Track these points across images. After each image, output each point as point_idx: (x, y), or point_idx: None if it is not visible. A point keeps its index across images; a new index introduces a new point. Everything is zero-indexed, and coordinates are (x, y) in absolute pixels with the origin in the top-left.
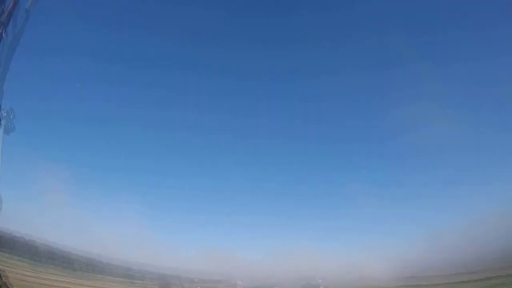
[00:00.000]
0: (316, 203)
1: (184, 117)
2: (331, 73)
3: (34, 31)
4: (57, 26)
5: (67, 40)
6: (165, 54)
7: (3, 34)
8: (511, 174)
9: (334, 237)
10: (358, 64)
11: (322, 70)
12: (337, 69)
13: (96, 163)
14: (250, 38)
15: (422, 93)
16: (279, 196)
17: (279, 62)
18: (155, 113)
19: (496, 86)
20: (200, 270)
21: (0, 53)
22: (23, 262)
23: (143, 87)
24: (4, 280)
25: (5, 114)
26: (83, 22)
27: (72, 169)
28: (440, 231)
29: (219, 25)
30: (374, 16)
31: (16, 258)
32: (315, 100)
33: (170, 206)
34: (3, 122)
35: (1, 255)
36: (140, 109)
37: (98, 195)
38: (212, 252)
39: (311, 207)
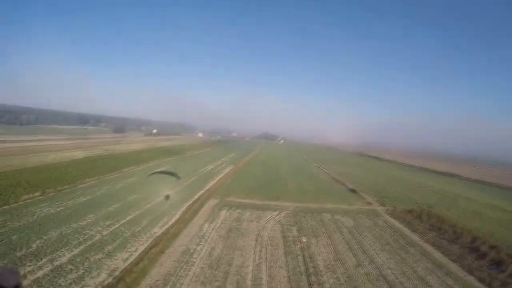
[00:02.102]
0: (289, 59)
1: None
2: None
3: None
4: None
5: None
6: None
7: None
8: None
9: (300, 98)
10: None
11: None
12: None
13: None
14: None
15: None
16: (250, 43)
17: None
18: None
19: None
20: (161, 121)
21: None
22: None
23: None
24: None
25: None
26: None
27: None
28: (407, 117)
29: None
30: None
31: None
32: None
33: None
34: None
35: None
36: None
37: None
38: (169, 97)
39: (282, 61)
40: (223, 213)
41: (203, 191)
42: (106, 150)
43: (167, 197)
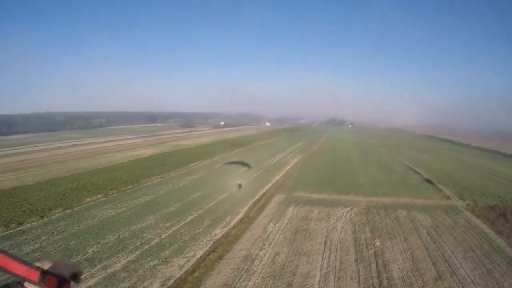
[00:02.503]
0: (347, 47)
1: None
2: None
3: None
4: None
5: None
6: None
7: None
8: None
9: (366, 81)
10: None
11: None
12: None
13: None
14: None
15: None
16: (307, 33)
17: None
18: None
19: None
20: (229, 112)
21: None
22: (42, 137)
23: None
24: None
25: None
26: None
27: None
28: (477, 97)
29: None
30: None
31: (35, 134)
32: None
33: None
34: None
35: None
36: None
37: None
38: (236, 89)
39: (342, 48)
40: (290, 210)
41: (270, 185)
42: (173, 146)
43: (240, 186)
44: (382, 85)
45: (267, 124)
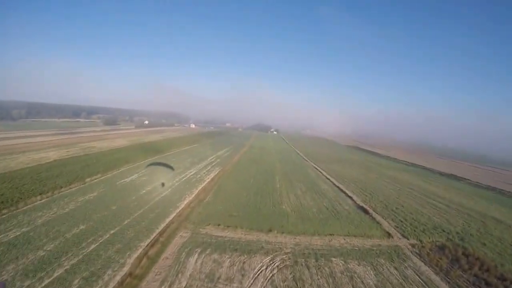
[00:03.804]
0: (275, 49)
1: None
2: None
3: None
4: None
5: None
6: None
7: None
8: None
9: (293, 88)
10: None
11: None
12: None
13: None
14: None
15: None
16: (236, 35)
17: None
18: None
19: None
20: (156, 111)
21: None
22: None
23: None
24: None
25: None
26: None
27: None
28: (401, 107)
29: None
30: None
31: None
32: None
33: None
34: None
35: None
36: None
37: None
38: (165, 88)
39: (278, 52)
40: (192, 262)
41: (174, 215)
42: (84, 149)
43: (163, 184)
44: (309, 92)
45: (193, 126)
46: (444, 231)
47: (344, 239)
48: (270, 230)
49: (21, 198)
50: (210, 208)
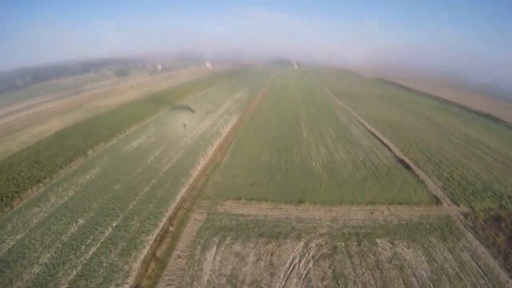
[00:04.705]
0: None
1: None
2: None
3: None
4: None
5: None
6: None
7: None
8: None
9: (313, 19)
10: None
11: None
12: None
13: None
14: None
15: None
16: None
17: None
18: None
19: None
20: (167, 53)
21: None
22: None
23: None
24: None
25: None
26: None
27: None
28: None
29: None
30: None
31: None
32: None
33: None
34: None
35: None
36: None
37: None
38: (177, 29)
39: None
40: (210, 260)
41: (185, 191)
42: (89, 111)
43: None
44: (330, 23)
45: (209, 65)
46: (495, 194)
47: (388, 209)
48: (300, 202)
49: (16, 192)
50: (227, 175)
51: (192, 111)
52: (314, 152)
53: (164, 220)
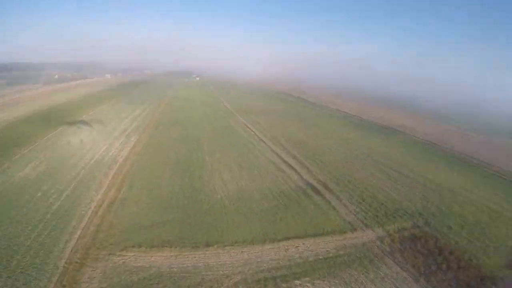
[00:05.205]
0: None
1: None
2: None
3: None
4: None
5: None
6: None
7: None
8: None
9: (215, 31)
10: None
11: None
12: None
13: None
14: None
15: None
16: None
17: None
18: None
19: None
20: (68, 62)
21: None
22: None
23: None
24: None
25: None
26: None
27: None
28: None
29: None
30: None
31: None
32: None
33: None
34: None
35: None
36: None
37: None
38: (79, 35)
39: None
40: None
41: (75, 240)
42: None
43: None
44: (232, 35)
45: (108, 76)
46: (406, 212)
47: (303, 243)
48: (208, 244)
49: None
50: (125, 214)
51: (87, 132)
52: (218, 179)
53: (54, 279)
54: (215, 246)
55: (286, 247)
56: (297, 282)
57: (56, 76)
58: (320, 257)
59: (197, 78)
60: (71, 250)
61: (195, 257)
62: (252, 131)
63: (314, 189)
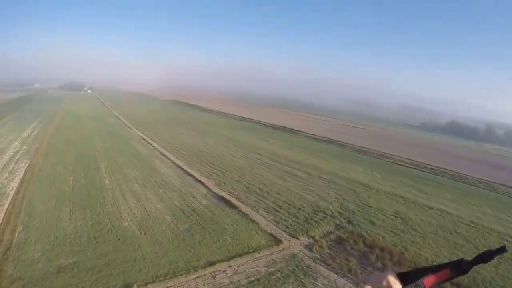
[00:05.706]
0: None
1: None
2: None
3: None
4: None
5: None
6: None
7: None
8: None
9: (112, 45)
10: None
11: None
12: None
13: None
14: None
15: None
16: None
17: None
18: None
19: None
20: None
21: None
22: None
23: None
24: None
25: None
26: None
27: None
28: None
29: None
30: None
31: None
32: None
33: None
34: None
35: None
36: None
37: None
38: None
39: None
40: None
41: None
42: None
43: None
44: (125, 46)
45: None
46: (326, 214)
47: (230, 266)
48: (126, 286)
49: None
50: (23, 261)
51: None
52: (122, 205)
53: None
54: (135, 287)
55: (212, 274)
56: None
57: None
58: (252, 279)
59: (89, 91)
60: None
61: None
62: (149, 144)
63: (227, 202)
